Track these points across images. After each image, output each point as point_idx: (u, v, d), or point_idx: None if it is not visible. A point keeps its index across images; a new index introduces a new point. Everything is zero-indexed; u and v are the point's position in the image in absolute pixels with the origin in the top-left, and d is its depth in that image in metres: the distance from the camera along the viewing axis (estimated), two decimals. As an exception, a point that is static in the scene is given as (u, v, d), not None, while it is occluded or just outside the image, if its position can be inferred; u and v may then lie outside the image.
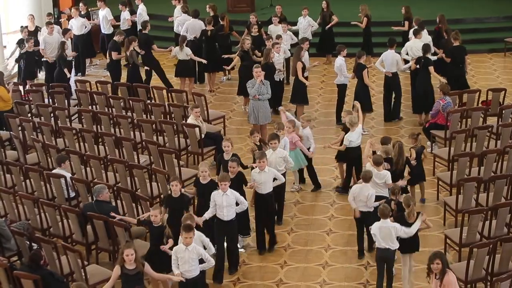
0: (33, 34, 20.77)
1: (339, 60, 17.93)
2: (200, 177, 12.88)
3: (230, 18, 24.08)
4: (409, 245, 11.76)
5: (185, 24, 20.99)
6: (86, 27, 21.82)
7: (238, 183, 12.96)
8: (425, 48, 17.88)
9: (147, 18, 22.22)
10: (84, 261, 11.77)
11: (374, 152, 13.58)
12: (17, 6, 23.14)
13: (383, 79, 18.53)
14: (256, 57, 18.83)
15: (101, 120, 16.82)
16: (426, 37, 19.09)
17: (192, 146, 16.05)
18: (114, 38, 20.05)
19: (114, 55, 19.67)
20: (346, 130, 14.70)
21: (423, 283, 11.77)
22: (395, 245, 11.56)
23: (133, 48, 19.16)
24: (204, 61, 19.91)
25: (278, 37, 19.16)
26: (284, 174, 13.66)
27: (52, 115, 17.38)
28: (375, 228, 11.58)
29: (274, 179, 13.16)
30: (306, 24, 21.24)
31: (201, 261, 11.15)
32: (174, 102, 17.81)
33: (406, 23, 21.17)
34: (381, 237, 11.50)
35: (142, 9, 22.39)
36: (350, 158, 14.80)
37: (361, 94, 17.33)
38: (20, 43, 20.06)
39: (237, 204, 12.41)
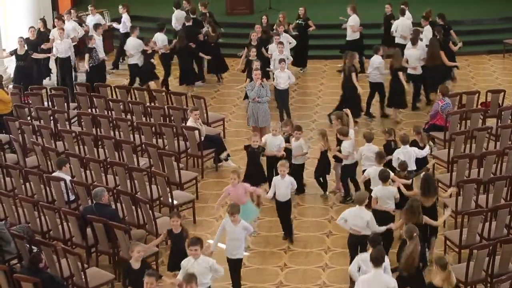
0: (34, 44, 20.61)
1: (377, 59, 18.17)
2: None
3: (229, 21, 24.22)
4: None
5: (174, 15, 21.99)
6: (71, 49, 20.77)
7: None
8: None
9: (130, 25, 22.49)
10: (84, 264, 11.78)
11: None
12: (15, 9, 23.13)
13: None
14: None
15: (100, 123, 16.82)
16: (408, 16, 20.95)
17: (191, 148, 16.05)
18: (187, 24, 20.87)
19: (201, 36, 20.68)
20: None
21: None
22: (413, 167, 13.81)
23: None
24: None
25: (281, 61, 18.10)
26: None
27: (51, 118, 17.38)
28: (398, 152, 13.87)
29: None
30: (285, 42, 20.19)
31: None
32: (174, 105, 17.82)
33: (311, 22, 21.70)
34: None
35: (126, 18, 22.46)
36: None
37: (398, 90, 18.05)
38: (89, 51, 19.76)
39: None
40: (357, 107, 17.85)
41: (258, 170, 14.57)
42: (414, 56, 18.66)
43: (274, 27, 20.93)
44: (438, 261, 10.34)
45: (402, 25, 20.72)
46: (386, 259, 10.73)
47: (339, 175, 15.02)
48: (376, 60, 18.19)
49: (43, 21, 21.45)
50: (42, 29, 21.02)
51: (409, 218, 11.67)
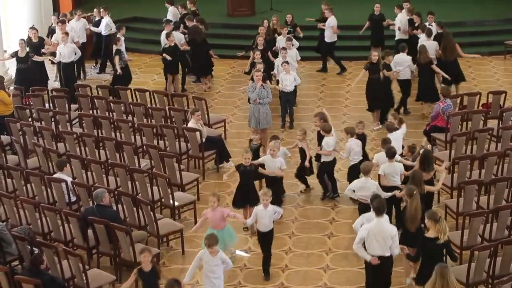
0: (37, 46, 20.58)
1: (407, 57, 18.43)
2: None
3: (230, 22, 24.19)
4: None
5: (169, 12, 22.44)
6: (75, 54, 20.34)
7: None
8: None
9: (114, 29, 22.56)
10: (85, 265, 11.77)
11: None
12: (17, 10, 23.12)
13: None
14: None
15: (101, 125, 16.83)
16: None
17: (192, 150, 16.05)
18: (191, 24, 20.84)
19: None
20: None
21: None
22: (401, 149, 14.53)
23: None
24: None
25: (284, 63, 18.09)
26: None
27: (52, 119, 17.39)
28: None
29: None
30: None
31: None
32: (175, 106, 17.82)
33: (298, 28, 21.57)
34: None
35: (108, 21, 22.41)
36: None
37: (430, 84, 18.39)
38: (119, 53, 19.61)
39: None
40: (381, 100, 18.05)
41: (251, 191, 13.70)
42: (431, 48, 18.90)
43: (276, 27, 20.86)
44: (431, 216, 11.11)
45: (404, 20, 20.95)
46: (386, 216, 11.48)
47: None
48: (406, 57, 18.42)
49: (36, 29, 20.91)
50: (38, 36, 20.87)
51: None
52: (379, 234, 11.12)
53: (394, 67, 18.27)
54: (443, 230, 10.89)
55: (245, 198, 13.70)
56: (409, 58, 18.50)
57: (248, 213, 13.51)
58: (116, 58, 19.69)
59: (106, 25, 22.35)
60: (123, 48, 20.15)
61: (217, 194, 12.60)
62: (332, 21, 21.37)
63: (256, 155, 14.47)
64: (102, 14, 22.46)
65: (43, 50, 20.50)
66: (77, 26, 22.06)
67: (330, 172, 14.92)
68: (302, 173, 15.14)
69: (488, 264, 11.50)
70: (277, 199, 13.58)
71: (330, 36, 21.50)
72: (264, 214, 12.34)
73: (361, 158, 14.55)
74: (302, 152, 14.96)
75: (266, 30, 20.47)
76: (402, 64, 18.34)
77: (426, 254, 10.97)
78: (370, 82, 17.95)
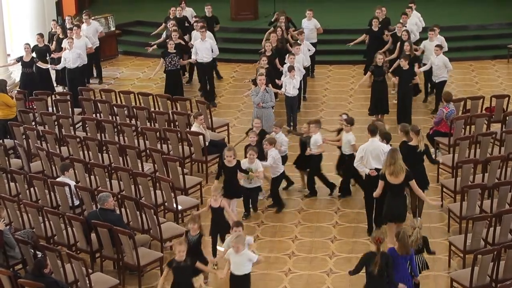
0: (44, 52, 20.56)
1: (443, 58, 18.37)
2: None
3: (233, 26, 24.10)
4: None
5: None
6: (81, 58, 20.16)
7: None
8: None
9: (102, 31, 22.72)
10: (89, 269, 11.78)
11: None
12: (20, 14, 23.15)
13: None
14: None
15: (105, 128, 16.84)
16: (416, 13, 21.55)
17: (196, 154, 16.06)
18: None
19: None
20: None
21: None
22: None
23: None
24: None
25: (290, 68, 17.89)
26: None
27: (56, 123, 17.41)
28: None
29: None
30: (305, 50, 19.90)
31: None
32: (178, 110, 17.84)
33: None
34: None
35: (97, 25, 22.48)
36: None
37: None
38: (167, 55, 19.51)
39: None
40: (385, 104, 18.14)
41: None
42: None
43: (295, 33, 20.69)
44: (412, 128, 13.56)
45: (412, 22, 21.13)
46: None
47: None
48: (442, 59, 18.42)
49: (40, 34, 20.83)
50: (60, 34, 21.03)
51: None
52: (373, 151, 13.38)
53: (441, 68, 18.31)
54: (423, 140, 13.51)
55: None
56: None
57: None
58: (161, 61, 19.57)
59: (94, 30, 22.31)
60: None
61: None
62: (318, 23, 21.41)
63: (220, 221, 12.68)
64: (86, 19, 22.24)
65: (52, 55, 20.49)
66: (89, 31, 22.02)
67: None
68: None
69: (492, 268, 11.49)
70: None
71: (315, 37, 21.44)
72: None
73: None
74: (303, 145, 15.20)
75: (280, 38, 20.15)
76: (440, 68, 18.38)
77: (408, 160, 12.73)
78: (374, 84, 17.97)
